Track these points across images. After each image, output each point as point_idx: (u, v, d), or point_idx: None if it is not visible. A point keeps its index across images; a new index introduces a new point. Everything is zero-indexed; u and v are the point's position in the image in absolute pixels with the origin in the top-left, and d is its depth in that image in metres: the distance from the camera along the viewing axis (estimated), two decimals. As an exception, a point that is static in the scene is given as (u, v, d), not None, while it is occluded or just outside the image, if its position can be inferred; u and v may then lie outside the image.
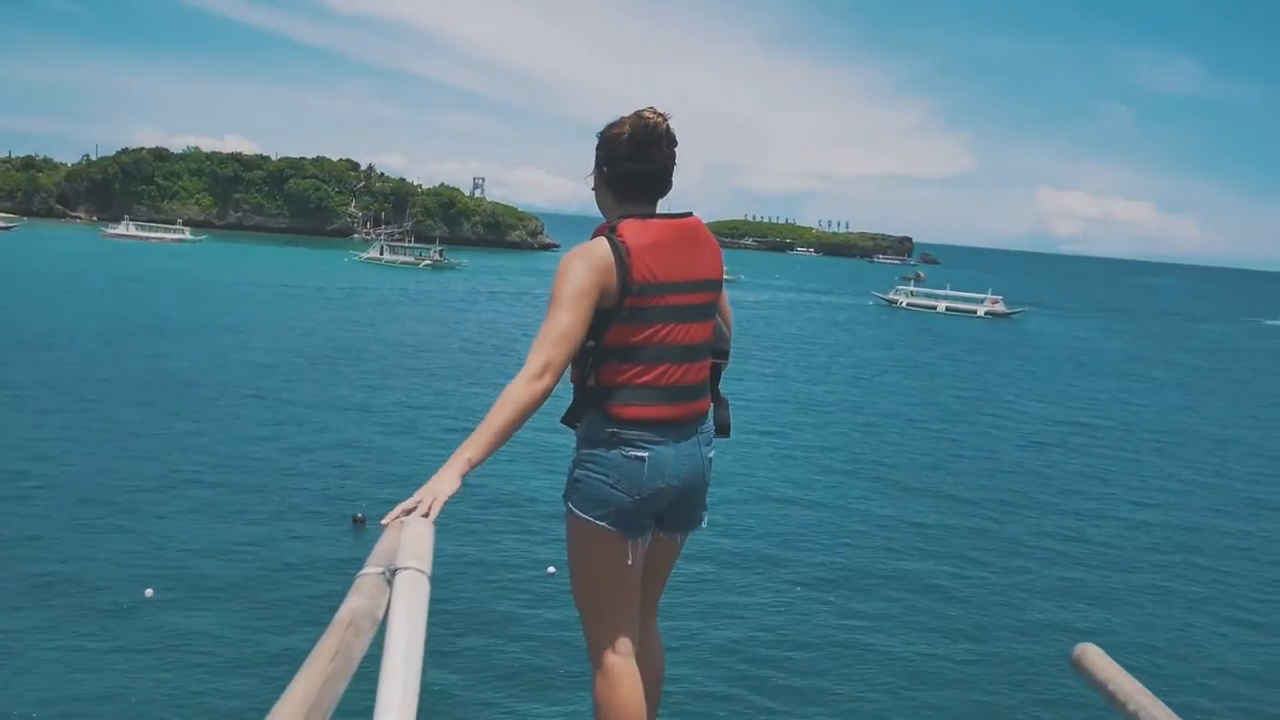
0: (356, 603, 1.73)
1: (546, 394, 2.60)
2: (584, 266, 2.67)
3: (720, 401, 3.02)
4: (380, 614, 1.73)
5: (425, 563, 1.90)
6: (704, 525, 3.04)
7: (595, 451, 2.78)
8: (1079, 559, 22.79)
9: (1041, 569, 21.92)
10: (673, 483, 2.81)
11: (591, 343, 2.73)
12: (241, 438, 27.92)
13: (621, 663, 2.86)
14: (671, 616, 17.27)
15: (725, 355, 3.03)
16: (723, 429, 3.02)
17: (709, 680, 15.66)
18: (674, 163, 2.88)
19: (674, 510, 2.90)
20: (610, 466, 2.75)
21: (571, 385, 2.86)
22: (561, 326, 2.61)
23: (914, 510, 25.68)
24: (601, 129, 2.89)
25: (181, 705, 13.94)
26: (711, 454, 2.95)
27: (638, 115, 2.81)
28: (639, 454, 2.75)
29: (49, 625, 15.94)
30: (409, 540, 2.00)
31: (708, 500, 3.04)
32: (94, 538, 19.70)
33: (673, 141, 2.85)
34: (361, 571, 1.87)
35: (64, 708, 13.68)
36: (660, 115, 2.81)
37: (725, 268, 3.04)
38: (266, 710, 1.32)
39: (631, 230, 2.75)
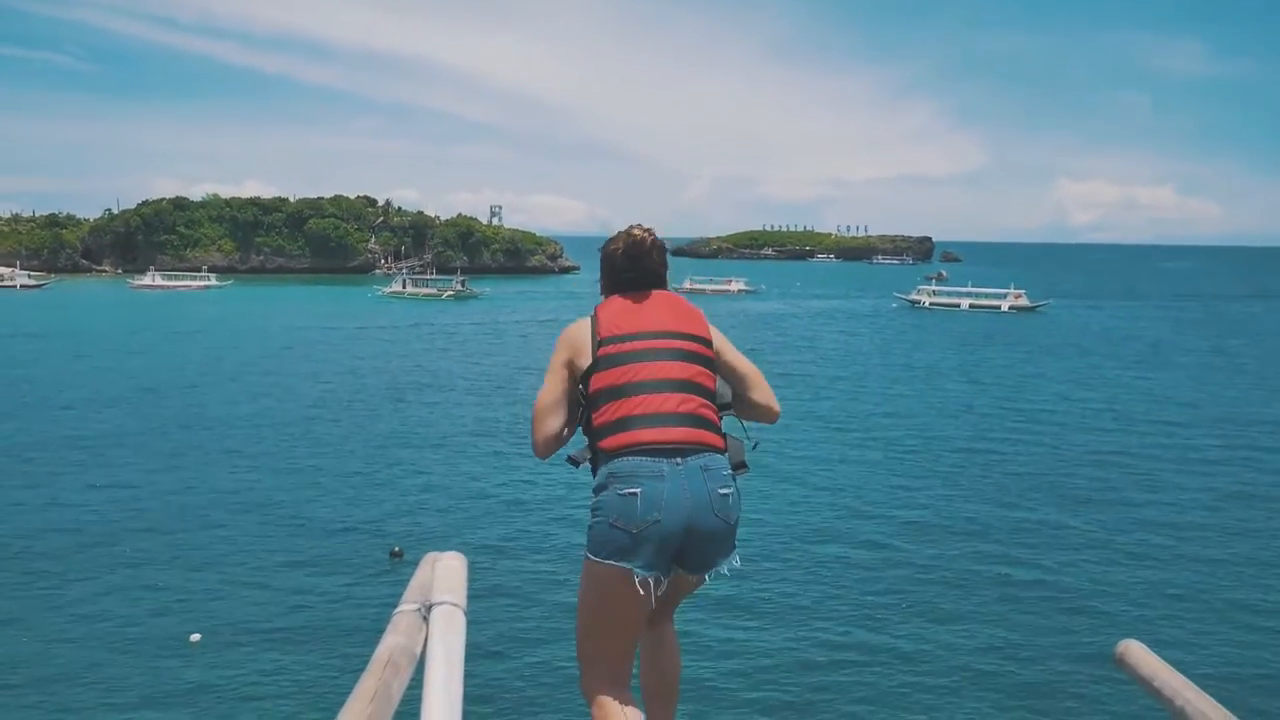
0: (394, 641, 1.73)
1: (559, 446, 3.17)
2: (561, 342, 3.23)
3: (729, 440, 3.15)
4: (418, 651, 1.74)
5: (460, 597, 1.90)
6: (726, 571, 3.09)
7: (598, 498, 3.00)
8: (1125, 553, 22.47)
9: (1086, 563, 21.63)
10: (671, 514, 2.89)
11: (581, 387, 3.15)
12: (280, 478, 28.12)
13: (616, 709, 3.04)
14: (702, 636, 17.17)
15: (726, 407, 3.27)
16: (737, 465, 3.12)
17: (737, 686, 15.56)
18: (665, 268, 3.39)
19: (688, 551, 2.98)
20: (610, 508, 2.95)
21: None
22: (548, 395, 3.17)
23: (959, 508, 25.44)
24: (602, 244, 3.43)
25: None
26: (725, 491, 2.99)
27: (628, 233, 3.34)
28: (632, 490, 2.92)
29: (98, 674, 16.07)
30: (443, 575, 1.99)
31: (735, 541, 3.09)
32: (139, 585, 19.87)
33: (662, 250, 3.35)
34: (397, 609, 1.87)
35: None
36: (647, 231, 3.34)
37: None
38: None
39: (606, 302, 3.30)
